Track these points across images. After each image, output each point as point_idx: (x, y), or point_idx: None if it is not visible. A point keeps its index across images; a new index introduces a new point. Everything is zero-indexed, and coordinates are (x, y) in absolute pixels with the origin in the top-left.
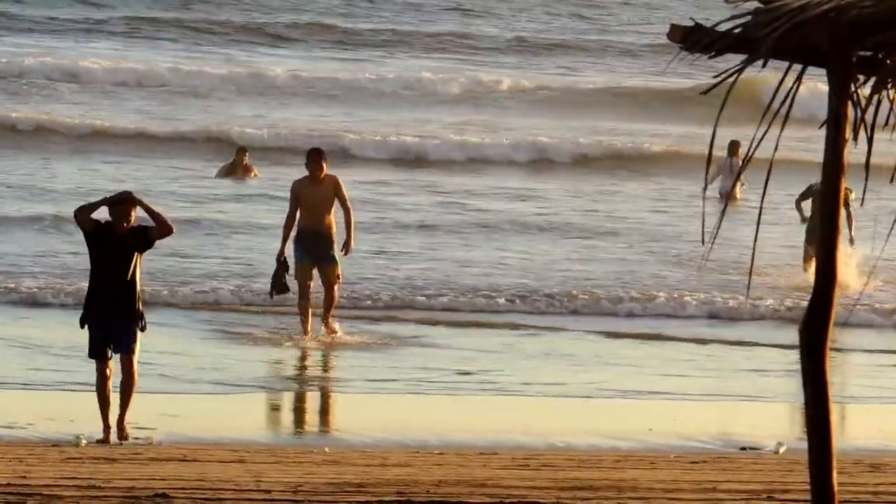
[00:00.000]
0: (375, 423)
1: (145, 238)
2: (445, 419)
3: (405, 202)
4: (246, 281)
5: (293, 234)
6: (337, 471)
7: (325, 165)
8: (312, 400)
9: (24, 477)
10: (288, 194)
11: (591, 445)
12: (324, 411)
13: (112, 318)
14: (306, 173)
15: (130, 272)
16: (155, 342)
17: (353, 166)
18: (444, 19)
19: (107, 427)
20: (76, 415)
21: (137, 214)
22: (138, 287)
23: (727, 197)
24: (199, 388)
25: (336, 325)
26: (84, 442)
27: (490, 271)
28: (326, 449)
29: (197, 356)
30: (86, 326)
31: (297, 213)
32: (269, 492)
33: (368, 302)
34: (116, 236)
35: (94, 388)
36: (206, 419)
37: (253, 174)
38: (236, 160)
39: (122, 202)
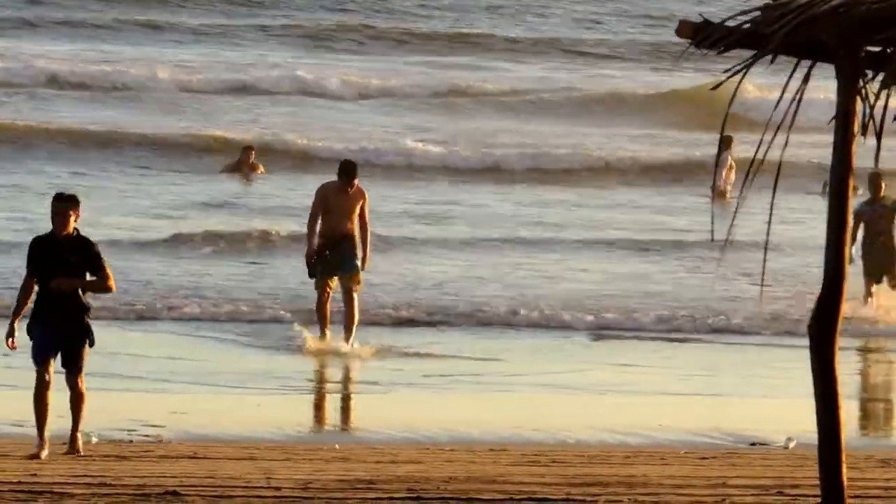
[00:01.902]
0: (385, 419)
1: (90, 266)
2: (455, 416)
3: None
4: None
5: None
6: (347, 467)
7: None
8: (322, 397)
9: (35, 475)
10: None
11: (600, 441)
12: (334, 408)
13: (58, 331)
14: (332, 179)
15: (75, 287)
16: (165, 347)
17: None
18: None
19: (41, 442)
20: (86, 412)
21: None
22: (85, 300)
23: (713, 190)
24: (209, 387)
25: (356, 346)
26: (94, 440)
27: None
28: (336, 446)
29: (209, 359)
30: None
31: (319, 216)
32: (279, 489)
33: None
34: (57, 244)
35: (100, 386)
36: (216, 416)
37: (259, 171)
38: (242, 158)
39: (63, 199)
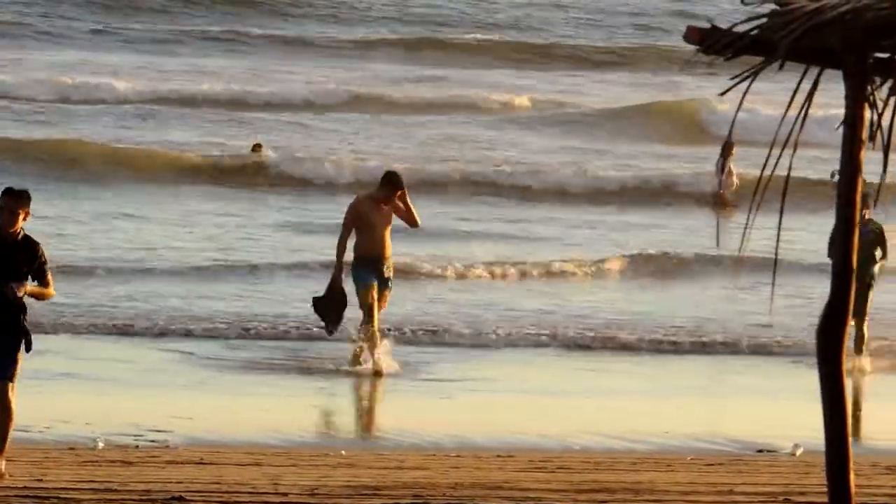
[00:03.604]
0: (392, 425)
1: (35, 269)
2: (461, 422)
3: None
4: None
5: (350, 259)
6: (353, 473)
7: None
8: (328, 402)
9: (41, 480)
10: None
11: (607, 448)
12: (340, 414)
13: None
14: (369, 192)
15: (25, 294)
16: (172, 355)
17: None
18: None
19: None
20: (93, 418)
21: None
22: (25, 302)
23: (715, 197)
24: (216, 393)
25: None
26: (101, 445)
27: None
28: (343, 451)
29: (217, 368)
30: None
31: (350, 235)
32: (285, 494)
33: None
34: (5, 245)
35: (108, 392)
36: (222, 422)
37: (262, 153)
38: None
39: (13, 194)
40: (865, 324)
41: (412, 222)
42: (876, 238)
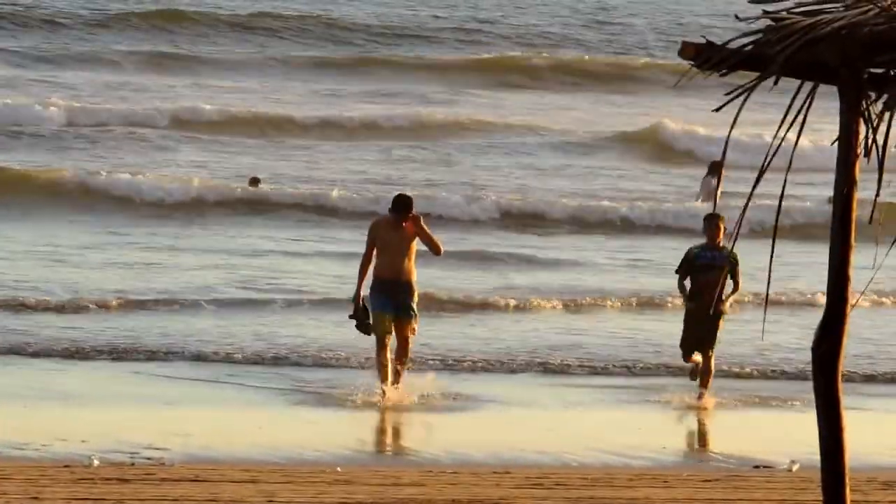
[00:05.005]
0: (388, 441)
1: None
2: (458, 438)
3: None
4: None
5: (369, 282)
6: (349, 490)
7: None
8: (324, 418)
9: (37, 498)
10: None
11: (604, 464)
12: (336, 430)
13: None
14: (387, 214)
15: None
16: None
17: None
18: None
19: None
20: (88, 435)
21: None
22: None
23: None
24: (212, 409)
25: (402, 376)
26: (96, 462)
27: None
28: (339, 468)
29: (212, 388)
30: None
31: (372, 256)
32: None
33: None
34: None
35: (107, 409)
36: (218, 439)
37: (260, 187)
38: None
39: None
40: (712, 357)
41: (434, 249)
42: (731, 267)
